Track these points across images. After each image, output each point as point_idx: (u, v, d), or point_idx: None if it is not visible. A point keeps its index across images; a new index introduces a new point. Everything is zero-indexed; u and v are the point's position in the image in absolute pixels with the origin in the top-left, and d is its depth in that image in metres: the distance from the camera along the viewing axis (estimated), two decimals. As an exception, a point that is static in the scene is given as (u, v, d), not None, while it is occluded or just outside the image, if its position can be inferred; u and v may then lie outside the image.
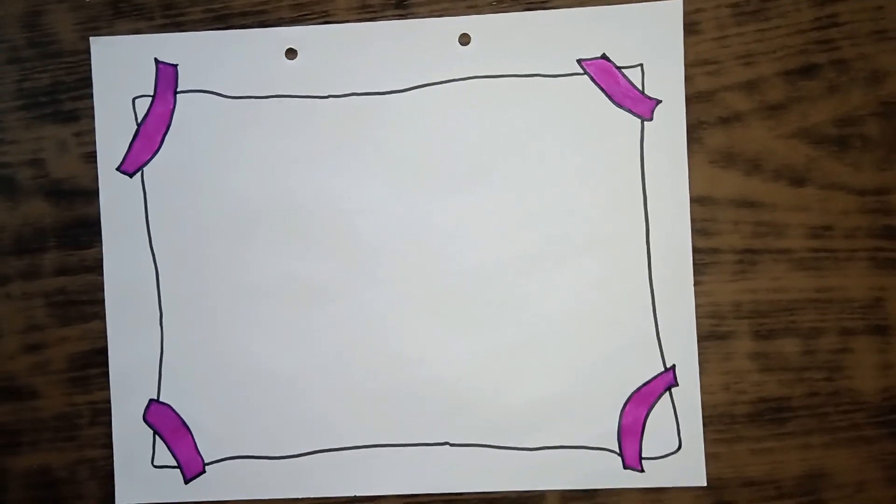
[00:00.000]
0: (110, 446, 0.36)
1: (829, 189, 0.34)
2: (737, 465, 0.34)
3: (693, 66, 0.34)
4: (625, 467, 0.34)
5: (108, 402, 0.35)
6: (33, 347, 0.36)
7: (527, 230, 0.34)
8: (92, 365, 0.36)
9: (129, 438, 0.35)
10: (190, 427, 0.35)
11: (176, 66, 0.35)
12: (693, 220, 0.34)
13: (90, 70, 0.36)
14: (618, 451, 0.34)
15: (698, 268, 0.34)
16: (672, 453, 0.34)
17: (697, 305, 0.34)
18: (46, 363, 0.36)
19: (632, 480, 0.34)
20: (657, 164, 0.34)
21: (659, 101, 0.34)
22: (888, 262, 0.34)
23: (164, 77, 0.35)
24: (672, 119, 0.34)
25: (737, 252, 0.34)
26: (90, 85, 0.36)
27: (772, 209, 0.34)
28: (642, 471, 0.34)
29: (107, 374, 0.35)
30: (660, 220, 0.34)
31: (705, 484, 0.34)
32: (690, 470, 0.34)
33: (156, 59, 0.35)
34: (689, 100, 0.34)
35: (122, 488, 0.35)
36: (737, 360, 0.34)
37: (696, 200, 0.34)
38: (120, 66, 0.35)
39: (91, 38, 0.36)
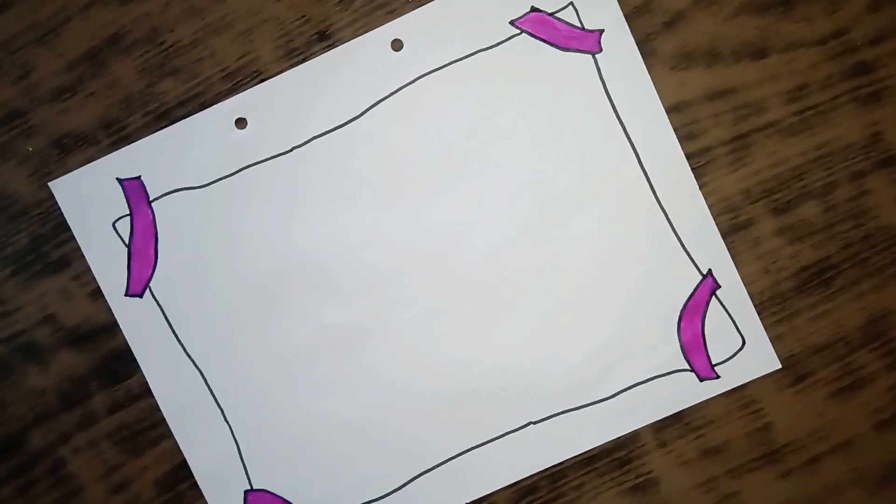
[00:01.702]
0: (226, 547, 0.36)
1: (790, 51, 0.34)
2: (803, 338, 0.35)
3: (620, -16, 0.34)
4: (701, 380, 0.35)
5: (208, 508, 0.36)
6: (119, 487, 0.37)
7: (523, 201, 0.35)
8: (179, 481, 0.36)
9: (240, 533, 0.36)
10: (292, 501, 0.36)
11: (139, 177, 0.35)
12: (676, 129, 0.34)
13: (61, 214, 0.36)
14: (689, 367, 0.35)
15: (697, 171, 0.34)
16: (739, 351, 0.35)
17: (710, 206, 0.34)
18: (137, 497, 0.37)
19: (711, 389, 0.35)
20: (623, 91, 0.34)
21: (602, 31, 0.34)
22: (871, 96, 0.34)
23: (132, 192, 0.35)
24: (620, 42, 0.34)
25: (727, 143, 0.34)
26: (66, 227, 0.36)
27: (744, 90, 0.34)
28: (718, 377, 0.35)
29: (195, 484, 0.36)
30: (645, 142, 0.34)
31: (780, 366, 0.35)
32: (762, 359, 0.35)
33: (118, 179, 0.35)
34: (629, 17, 0.34)
35: (252, 579, 0.36)
36: (766, 241, 0.35)
37: (671, 109, 0.34)
38: (87, 198, 0.36)
39: (50, 184, 0.36)
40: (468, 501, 0.36)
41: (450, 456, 0.36)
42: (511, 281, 0.35)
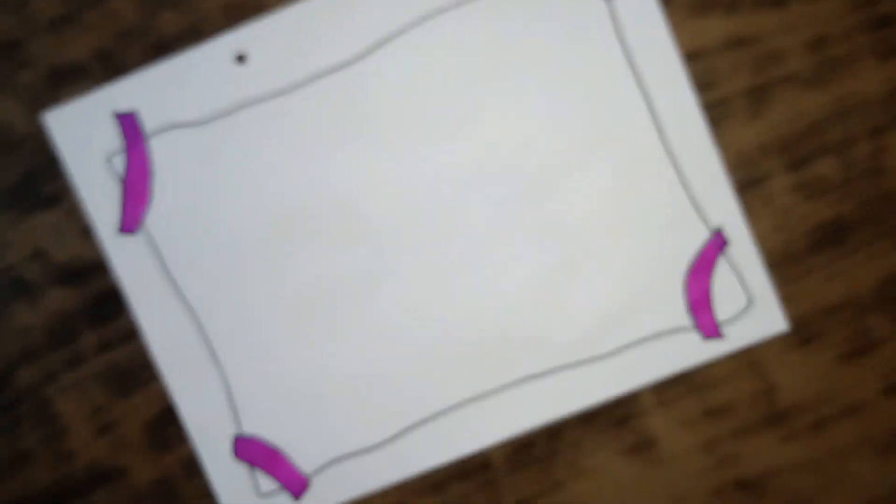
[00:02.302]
0: (212, 493, 0.36)
1: (811, 1, 0.33)
2: (814, 298, 0.34)
3: (639, -76, 0.33)
4: (705, 339, 0.34)
5: (195, 453, 0.36)
6: (105, 428, 0.36)
7: (532, 152, 0.34)
8: (167, 424, 0.36)
9: (228, 479, 0.36)
10: (281, 448, 0.35)
11: (134, 112, 0.34)
12: (691, 77, 0.33)
13: (54, 147, 0.35)
14: (693, 326, 0.34)
15: (713, 122, 0.33)
16: (746, 309, 0.34)
17: (724, 159, 0.33)
18: (123, 438, 0.36)
19: (716, 349, 0.34)
20: (637, 38, 0.33)
21: (617, -27, 0.33)
22: (892, 49, 0.33)
23: (127, 127, 0.34)
24: (636, -15, 0.33)
25: (744, 94, 0.33)
26: (60, 161, 0.35)
27: (764, 39, 0.33)
28: (722, 336, 0.34)
29: (184, 428, 0.35)
30: (659, 92, 0.33)
31: (787, 327, 0.34)
32: (769, 319, 0.34)
33: (113, 112, 0.34)
34: (647, -40, 0.33)
35: (239, 527, 0.36)
36: (780, 197, 0.33)
37: (687, 57, 0.33)
38: (81, 132, 0.35)
39: (42, 116, 0.35)
40: (462, 454, 0.35)
41: (445, 408, 0.35)
42: (517, 233, 0.34)
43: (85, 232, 0.35)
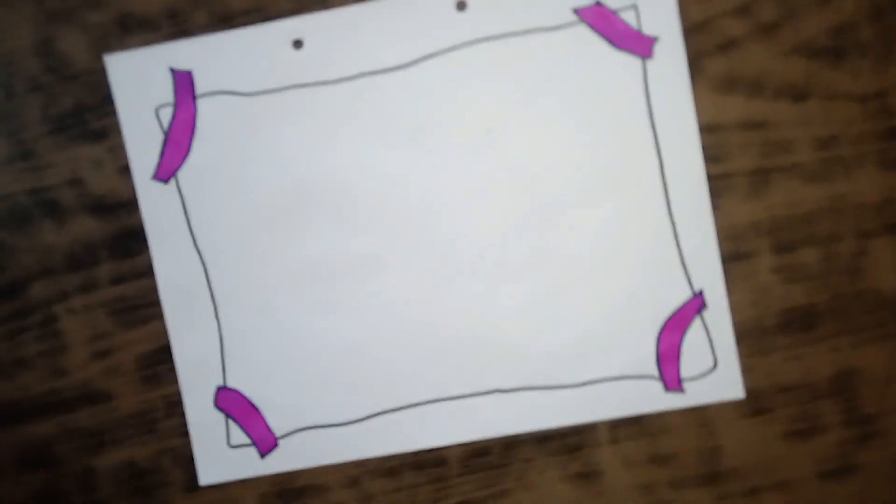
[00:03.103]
0: (187, 434, 0.38)
1: (830, 100, 0.35)
2: (772, 375, 0.36)
3: (685, -1, 0.35)
4: (666, 391, 0.36)
5: (180, 394, 0.38)
6: (102, 354, 0.38)
7: (545, 180, 0.36)
8: (159, 362, 0.38)
9: (204, 424, 0.38)
10: (258, 406, 0.38)
11: (191, 71, 0.37)
12: (703, 149, 0.35)
13: (110, 87, 0.37)
14: (658, 376, 0.36)
15: (714, 193, 0.36)
16: (709, 372, 0.36)
17: (717, 229, 0.36)
18: (117, 366, 0.38)
19: (674, 402, 0.36)
20: (663, 100, 0.35)
21: (657, 38, 0.35)
22: (896, 162, 0.35)
23: (181, 84, 0.37)
24: (672, 53, 0.35)
25: (749, 173, 0.35)
26: (112, 101, 0.37)
27: (778, 127, 0.35)
28: (683, 392, 0.36)
29: (174, 369, 0.38)
30: (672, 153, 0.35)
31: (743, 396, 0.36)
32: (728, 385, 0.36)
33: (171, 68, 0.37)
34: (686, 32, 0.35)
35: (204, 470, 0.38)
36: (761, 275, 0.36)
37: (704, 128, 0.35)
38: (137, 79, 0.37)
39: (105, 57, 0.37)
40: (423, 447, 0.37)
41: (415, 402, 0.37)
42: (516, 253, 0.36)
43: (122, 171, 0.38)
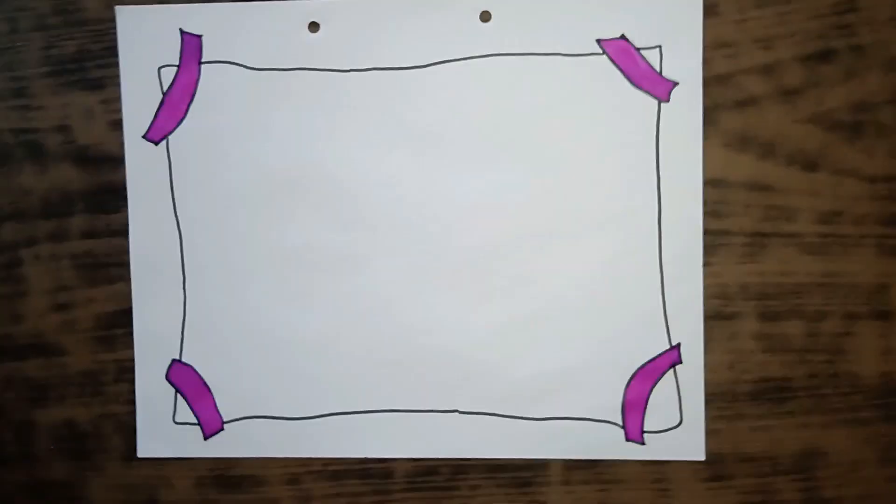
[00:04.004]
0: (133, 403, 0.37)
1: (840, 175, 0.34)
2: (736, 442, 0.35)
3: (711, 48, 0.34)
4: (627, 440, 0.35)
5: (133, 360, 0.37)
6: (61, 307, 0.37)
7: (541, 206, 0.35)
8: (117, 325, 0.37)
9: (152, 396, 0.37)
10: (210, 387, 0.37)
11: (200, 36, 0.36)
12: (705, 202, 0.35)
13: (116, 39, 0.36)
14: (621, 424, 0.35)
15: (708, 248, 0.35)
16: (673, 428, 0.35)
17: (705, 285, 0.35)
18: (74, 322, 0.37)
19: (633, 453, 0.35)
20: (672, 146, 0.35)
21: (676, 83, 0.34)
22: (895, 249, 0.34)
23: (188, 47, 0.36)
24: (689, 101, 0.34)
25: (747, 235, 0.35)
26: (116, 54, 0.36)
27: (783, 193, 0.34)
28: (643, 444, 0.35)
29: (132, 334, 0.37)
30: (672, 201, 0.35)
31: (704, 458, 0.35)
32: (690, 444, 0.35)
33: (181, 30, 0.36)
34: (707, 82, 0.34)
35: (144, 442, 0.37)
36: (742, 340, 0.35)
37: (709, 182, 0.35)
38: (145, 35, 0.36)
39: (116, 8, 0.36)
40: (370, 456, 0.36)
41: (370, 409, 0.36)
42: (500, 274, 0.35)
43: (113, 126, 0.37)
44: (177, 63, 0.36)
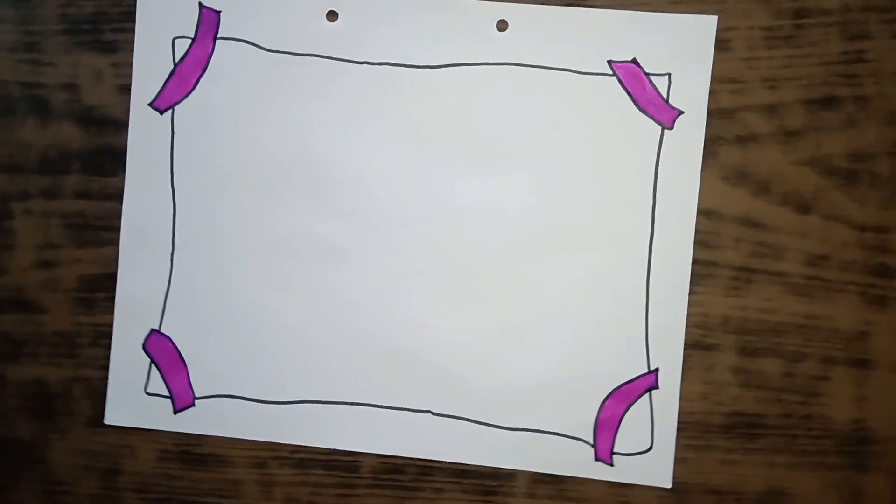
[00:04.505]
0: (107, 368, 0.37)
1: (831, 220, 0.35)
2: (703, 473, 0.35)
3: (719, 81, 0.35)
4: (596, 459, 0.35)
5: (111, 326, 0.37)
6: (46, 264, 0.37)
7: (536, 217, 0.35)
8: (100, 289, 0.37)
9: (126, 364, 0.37)
10: (186, 361, 0.36)
11: (219, 12, 0.36)
12: (697, 232, 0.35)
13: (134, 4, 0.36)
14: (591, 442, 0.35)
15: (695, 278, 0.35)
16: (643, 452, 0.35)
17: (689, 314, 0.35)
18: (57, 281, 0.37)
19: (600, 472, 0.35)
20: (670, 173, 0.35)
21: (681, 112, 0.35)
22: (878, 298, 0.35)
23: (206, 21, 0.36)
24: (691, 131, 0.35)
25: (734, 268, 0.35)
26: (133, 19, 0.37)
27: (774, 232, 0.35)
28: (612, 465, 0.35)
29: (113, 299, 0.37)
30: (665, 227, 0.35)
31: (670, 486, 0.35)
32: (658, 471, 0.35)
33: (200, 3, 0.36)
34: (711, 114, 0.35)
35: (113, 409, 0.37)
36: (719, 372, 0.35)
37: (702, 213, 0.35)
38: (164, 5, 0.36)
39: (140, -27, 0.36)
40: (337, 447, 0.36)
41: (343, 400, 0.36)
42: (488, 281, 0.36)
43: (121, 90, 0.37)
44: (192, 36, 0.36)
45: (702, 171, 0.35)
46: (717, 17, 0.35)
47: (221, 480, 0.37)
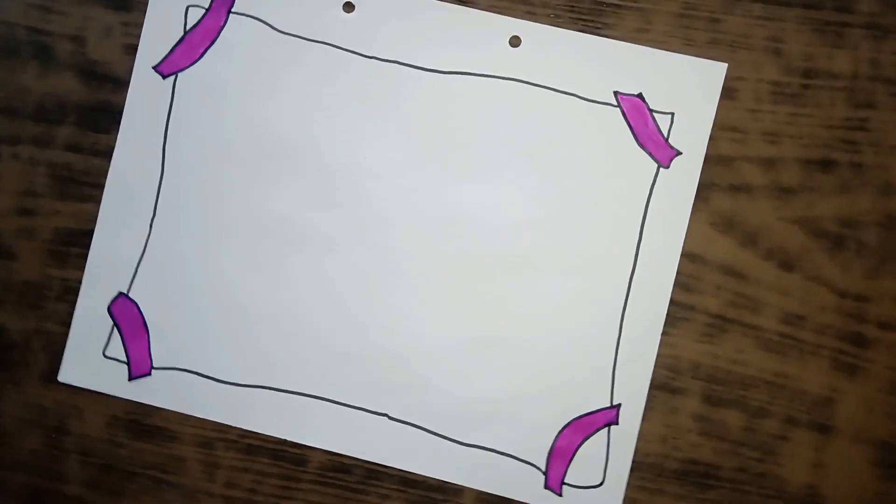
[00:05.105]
0: (69, 325, 0.36)
1: (814, 281, 0.35)
2: (651, 515, 0.35)
3: (720, 128, 0.35)
4: (545, 487, 0.35)
5: (79, 283, 0.36)
6: (25, 211, 0.37)
7: (522, 235, 0.35)
8: (75, 244, 0.36)
9: (89, 323, 0.36)
10: (149, 329, 0.36)
11: (237, -13, 0.36)
12: (678, 274, 0.35)
13: (154, -33, 0.36)
14: (543, 469, 0.35)
15: (671, 319, 0.35)
16: (593, 487, 0.35)
17: (659, 354, 0.35)
18: (33, 230, 0.37)
19: (547, 501, 0.35)
20: (660, 211, 0.35)
21: (679, 153, 0.35)
22: (849, 366, 0.35)
23: (222, -6, 0.36)
24: (687, 173, 0.35)
25: (711, 315, 0.35)
26: (150, -19, 0.36)
27: (755, 285, 0.35)
28: (560, 495, 0.35)
29: (86, 256, 0.36)
30: (647, 264, 0.35)
31: (617, 524, 0.35)
32: (606, 507, 0.35)
33: (219, -25, 0.36)
34: (708, 159, 0.35)
35: (68, 368, 0.36)
36: (681, 416, 0.35)
37: (686, 255, 0.35)
38: (184, -29, 0.36)
39: (164, -62, 0.36)
40: (285, 437, 0.36)
41: (300, 391, 0.36)
42: (465, 292, 0.35)
43: (127, 49, 0.36)
44: (206, 6, 0.36)
45: (691, 214, 0.35)
46: (727, 64, 0.35)
47: (166, 455, 0.36)
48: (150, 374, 0.36)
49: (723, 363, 0.35)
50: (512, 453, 0.35)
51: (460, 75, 0.36)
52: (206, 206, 0.36)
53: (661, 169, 0.35)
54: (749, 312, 0.35)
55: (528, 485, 0.35)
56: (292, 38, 0.36)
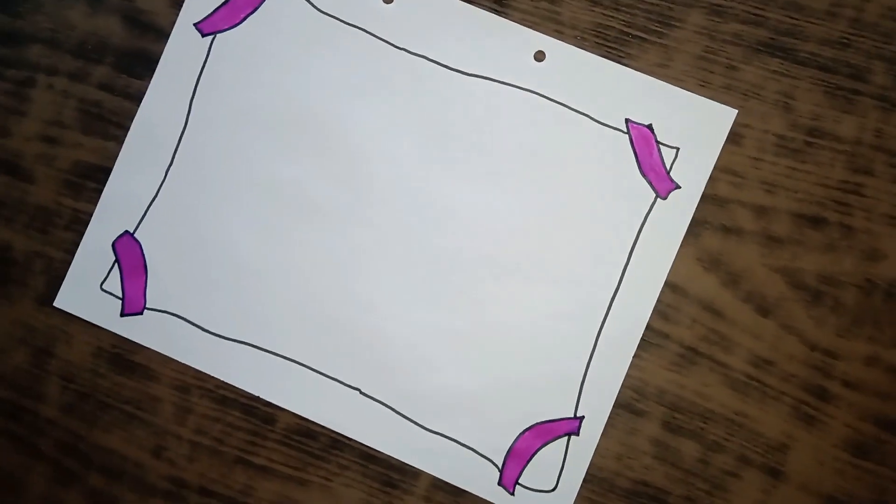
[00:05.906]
0: (72, 254, 0.38)
1: (787, 330, 0.36)
2: (595, 528, 0.36)
3: (721, 170, 0.36)
4: (499, 483, 0.36)
5: (90, 215, 0.38)
6: (49, 139, 0.38)
7: (515, 240, 0.37)
8: (92, 178, 0.38)
9: (92, 255, 0.38)
10: (148, 270, 0.37)
11: (286, -38, 0.38)
12: (658, 301, 0.36)
13: (212, -68, 0.38)
14: (500, 466, 0.36)
15: (644, 344, 0.36)
16: (545, 491, 0.36)
17: (627, 375, 0.36)
18: (54, 158, 0.38)
19: (499, 498, 0.36)
20: (651, 239, 0.36)
21: (678, 187, 0.36)
22: (808, 417, 0.36)
23: (271, -33, 0.38)
24: (682, 207, 0.36)
25: (684, 346, 0.36)
26: (206, -56, 0.38)
27: (730, 324, 0.36)
28: (512, 494, 0.36)
29: (101, 192, 0.38)
30: (631, 288, 0.36)
31: (561, 532, 0.36)
32: (554, 513, 0.36)
33: (272, -51, 0.38)
34: (705, 197, 0.36)
35: (65, 295, 0.38)
36: (640, 439, 0.36)
37: (669, 285, 0.36)
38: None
39: None
40: (260, 397, 0.37)
41: (281, 353, 0.37)
42: (452, 284, 0.37)
43: (174, 2, 0.38)
44: (255, -25, 0.38)
45: (680, 247, 0.36)
46: (737, 111, 0.36)
47: (143, 393, 0.37)
48: (141, 313, 0.37)
49: (687, 394, 0.36)
50: (472, 446, 0.36)
51: (482, 79, 0.37)
52: (222, 163, 0.37)
53: (659, 199, 0.36)
54: (720, 350, 0.36)
55: (482, 479, 0.36)
56: (331, 18, 0.38)
